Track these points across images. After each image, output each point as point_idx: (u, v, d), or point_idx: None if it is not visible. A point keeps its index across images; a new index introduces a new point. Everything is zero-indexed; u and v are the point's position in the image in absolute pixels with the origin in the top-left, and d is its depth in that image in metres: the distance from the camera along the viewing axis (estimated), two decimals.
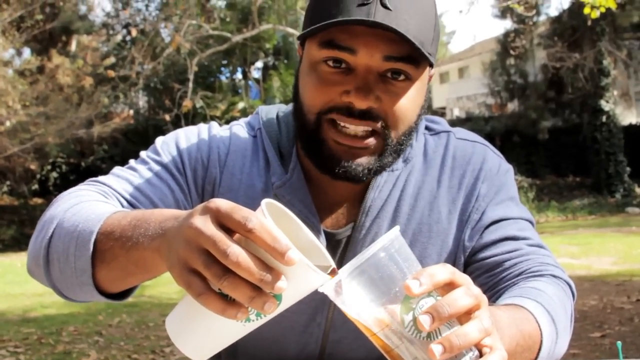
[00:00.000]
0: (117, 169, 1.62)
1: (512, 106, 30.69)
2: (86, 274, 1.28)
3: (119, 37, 29.21)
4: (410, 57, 1.39)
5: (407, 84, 1.43)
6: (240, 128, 1.67)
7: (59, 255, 1.32)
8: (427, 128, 1.68)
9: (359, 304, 1.02)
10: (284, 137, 1.63)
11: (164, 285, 11.57)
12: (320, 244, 1.10)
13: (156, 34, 24.31)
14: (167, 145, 1.63)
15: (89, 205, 1.40)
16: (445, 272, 1.01)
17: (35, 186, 25.16)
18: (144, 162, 1.61)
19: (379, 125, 1.43)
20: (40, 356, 7.19)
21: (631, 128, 27.42)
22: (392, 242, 1.02)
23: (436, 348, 0.96)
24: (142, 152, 1.65)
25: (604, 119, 25.64)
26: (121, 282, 1.30)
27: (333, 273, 1.06)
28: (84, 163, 25.65)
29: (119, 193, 1.52)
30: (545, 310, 1.35)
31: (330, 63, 1.41)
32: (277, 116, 1.68)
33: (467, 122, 28.48)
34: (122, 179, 1.57)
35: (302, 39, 1.47)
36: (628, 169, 25.19)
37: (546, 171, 27.45)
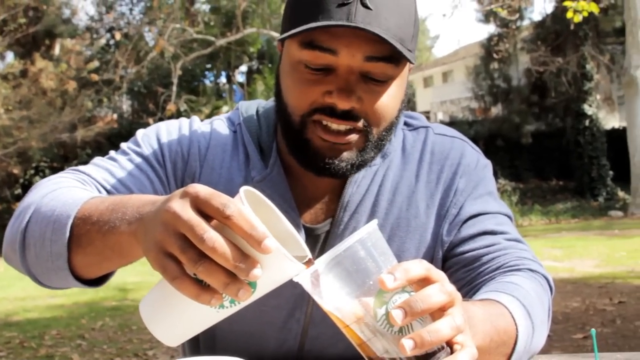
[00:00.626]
0: (97, 159, 1.62)
1: (496, 110, 30.80)
2: (62, 258, 1.28)
3: (102, 41, 29.16)
4: (392, 56, 1.39)
5: (388, 82, 1.44)
6: (220, 123, 1.68)
7: (35, 240, 1.32)
8: (405, 124, 1.69)
9: (334, 295, 1.02)
10: (264, 132, 1.63)
11: (146, 289, 11.49)
12: (297, 234, 1.11)
13: (140, 38, 24.31)
14: (148, 137, 1.64)
15: (67, 191, 1.41)
16: (421, 267, 1.01)
17: (19, 190, 25.00)
18: (124, 153, 1.61)
19: (360, 124, 1.44)
20: None
21: (614, 132, 27.52)
22: (369, 236, 1.02)
23: (407, 343, 0.96)
24: (123, 144, 1.65)
25: (587, 123, 25.76)
26: (97, 267, 1.30)
27: (309, 263, 1.06)
28: (67, 167, 25.40)
29: (98, 182, 1.53)
30: (521, 304, 1.35)
31: (311, 65, 1.41)
32: (257, 111, 1.69)
33: (451, 126, 27.80)
34: (102, 168, 1.57)
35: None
36: (611, 172, 25.29)
37: (529, 175, 27.53)
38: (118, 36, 25.32)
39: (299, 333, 1.60)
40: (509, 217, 1.64)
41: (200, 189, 1.00)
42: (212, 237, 0.95)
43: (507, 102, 29.37)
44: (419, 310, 0.97)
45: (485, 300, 1.33)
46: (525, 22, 29.23)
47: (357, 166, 1.50)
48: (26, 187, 24.99)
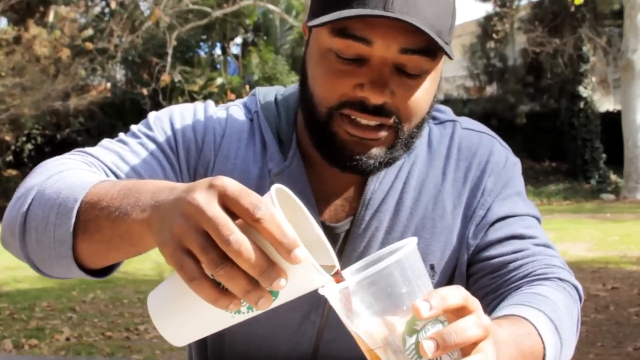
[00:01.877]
0: (105, 141, 1.51)
1: (491, 90, 30.72)
2: (66, 244, 1.17)
3: (97, 9, 28.90)
4: (428, 49, 1.31)
5: (423, 77, 1.36)
6: (237, 109, 1.58)
7: (37, 224, 1.21)
8: (432, 117, 1.59)
9: (362, 316, 0.96)
10: (283, 121, 1.54)
11: (138, 262, 11.49)
12: (327, 241, 1.04)
13: (135, 7, 24.14)
14: (161, 121, 1.53)
15: (75, 172, 1.30)
16: (458, 296, 0.95)
17: (10, 157, 24.88)
18: (135, 136, 1.51)
19: (391, 121, 1.36)
20: (12, 332, 7.12)
21: (608, 115, 27.49)
22: (408, 257, 0.95)
23: None
24: (133, 126, 1.55)
25: (581, 105, 25.72)
26: (103, 256, 1.19)
27: (336, 275, 1.01)
28: (60, 135, 25.37)
29: (106, 165, 1.42)
30: (548, 319, 1.28)
31: (342, 54, 1.33)
32: (276, 99, 1.59)
33: (445, 104, 27.77)
34: (111, 151, 1.46)
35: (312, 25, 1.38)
36: (604, 155, 25.29)
37: (523, 155, 27.43)
38: (113, 5, 25.07)
39: (314, 336, 1.52)
40: (537, 218, 1.56)
41: (229, 184, 0.91)
42: (238, 239, 0.87)
43: (503, 81, 29.29)
44: (453, 343, 0.91)
45: (511, 317, 1.26)
46: (523, 2, 29.13)
47: (385, 164, 1.42)
48: (17, 154, 24.94)
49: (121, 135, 1.54)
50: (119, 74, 29.35)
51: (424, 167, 1.54)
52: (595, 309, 7.46)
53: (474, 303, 0.98)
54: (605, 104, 30.27)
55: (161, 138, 1.50)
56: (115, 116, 26.07)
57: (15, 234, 1.25)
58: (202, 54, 29.13)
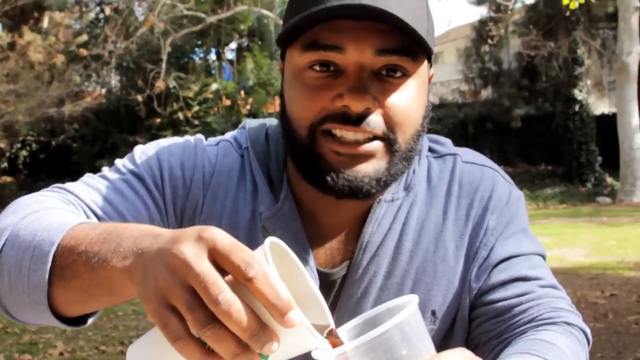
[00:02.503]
0: (86, 177, 1.42)
1: (486, 93, 30.73)
2: (40, 291, 1.08)
3: (92, 15, 28.86)
4: (406, 48, 1.24)
5: (405, 79, 1.27)
6: (228, 145, 1.48)
7: (11, 267, 1.12)
8: (430, 149, 1.51)
9: None
10: (273, 158, 1.44)
11: None
12: (322, 299, 0.97)
13: (130, 13, 24.10)
14: (147, 156, 1.43)
15: (51, 212, 1.21)
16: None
17: (5, 164, 24.84)
18: (119, 172, 1.40)
19: (380, 132, 1.26)
20: (5, 346, 7.05)
21: (603, 118, 27.53)
22: (409, 319, 0.90)
23: None
24: (118, 161, 1.44)
25: (576, 108, 25.74)
26: (81, 305, 1.10)
27: (331, 334, 0.95)
28: (54, 142, 25.33)
29: (86, 204, 1.32)
30: None
31: (317, 67, 1.25)
32: (267, 134, 1.49)
33: (441, 108, 28.39)
34: (92, 188, 1.36)
35: (283, 42, 1.31)
36: (599, 158, 25.31)
37: (518, 159, 27.53)
38: (108, 10, 25.09)
39: None
40: (542, 256, 1.47)
41: (219, 236, 0.85)
42: (228, 299, 0.81)
43: (498, 85, 29.32)
44: None
45: None
46: (518, 5, 29.15)
47: (384, 183, 1.31)
48: (12, 160, 24.89)
49: (104, 170, 1.44)
50: (114, 80, 29.32)
51: (424, 207, 1.44)
52: (594, 318, 7.41)
53: None
54: (601, 106, 30.33)
55: (146, 175, 1.40)
56: (110, 122, 26.06)
57: None
58: (196, 59, 29.14)
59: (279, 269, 0.85)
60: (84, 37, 25.12)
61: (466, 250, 1.43)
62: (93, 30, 26.78)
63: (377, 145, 1.28)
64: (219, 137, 1.52)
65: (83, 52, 22.03)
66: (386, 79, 1.26)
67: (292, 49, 1.30)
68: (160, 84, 21.08)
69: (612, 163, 23.55)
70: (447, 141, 1.55)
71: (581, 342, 1.34)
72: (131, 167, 1.41)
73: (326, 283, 1.39)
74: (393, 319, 0.88)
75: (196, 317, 0.82)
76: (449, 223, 1.44)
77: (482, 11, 29.25)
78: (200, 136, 1.52)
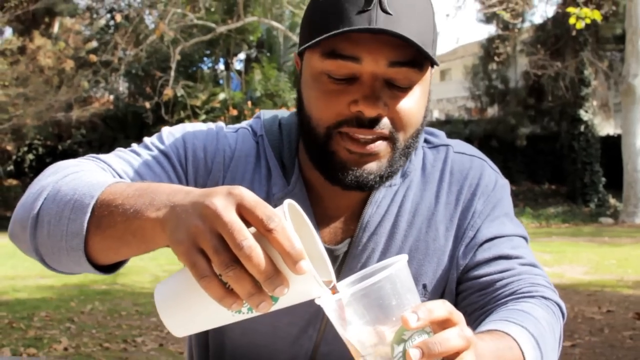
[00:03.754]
0: (118, 150, 1.58)
1: (492, 111, 30.82)
2: (78, 238, 1.22)
3: (102, 22, 29.03)
4: (415, 61, 1.38)
5: (412, 87, 1.42)
6: (246, 132, 1.64)
7: (51, 218, 1.26)
8: (425, 141, 1.67)
9: (354, 325, 1.03)
10: (286, 147, 1.60)
11: (137, 274, 11.57)
12: (327, 257, 1.11)
13: (140, 21, 24.19)
14: (174, 137, 1.59)
15: (90, 173, 1.36)
16: (444, 309, 1.03)
17: (11, 167, 24.94)
18: (147, 148, 1.57)
19: (386, 131, 1.42)
20: (11, 340, 7.14)
21: (608, 139, 27.57)
22: (398, 273, 1.03)
23: None
24: (146, 138, 1.61)
25: (582, 128, 25.80)
26: (113, 252, 1.23)
27: (333, 289, 1.08)
28: (61, 146, 25.49)
29: (117, 172, 1.48)
30: (530, 334, 1.35)
31: (334, 75, 1.40)
32: (280, 124, 1.65)
33: (447, 124, 28.56)
34: (123, 160, 1.52)
35: (303, 50, 1.46)
36: (603, 179, 25.33)
37: (522, 177, 27.56)
38: (118, 18, 25.14)
39: (311, 349, 1.59)
40: (525, 238, 1.64)
41: (246, 194, 0.99)
42: (250, 245, 0.94)
43: (504, 103, 29.37)
44: (436, 352, 0.99)
45: (494, 332, 1.32)
46: (526, 25, 29.24)
47: (386, 177, 1.48)
48: (18, 164, 25.00)
49: (134, 145, 1.60)
50: (122, 86, 29.44)
51: (419, 191, 1.61)
52: (589, 332, 7.48)
53: (458, 316, 1.06)
54: (606, 127, 30.35)
55: (172, 153, 1.56)
56: (117, 129, 26.17)
57: (27, 227, 1.30)
58: (205, 69, 29.26)
59: (293, 226, 0.98)
60: (94, 44, 25.32)
61: (455, 231, 1.60)
62: (103, 37, 26.96)
63: (382, 145, 1.44)
64: (237, 125, 1.69)
65: (93, 58, 22.10)
66: (395, 88, 1.41)
67: (311, 53, 1.44)
68: (168, 92, 21.14)
69: (616, 184, 23.56)
70: (441, 133, 1.71)
71: (556, 314, 1.51)
72: (159, 144, 1.58)
73: (330, 257, 1.53)
74: (384, 272, 1.01)
75: (221, 259, 0.96)
76: (441, 207, 1.61)
77: (491, 29, 29.29)
78: (221, 123, 1.68)
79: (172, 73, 21.69)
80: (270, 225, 0.95)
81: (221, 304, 0.99)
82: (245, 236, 0.95)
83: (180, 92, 23.00)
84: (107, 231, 1.19)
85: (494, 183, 1.65)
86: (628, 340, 7.17)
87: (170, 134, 1.61)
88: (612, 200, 24.72)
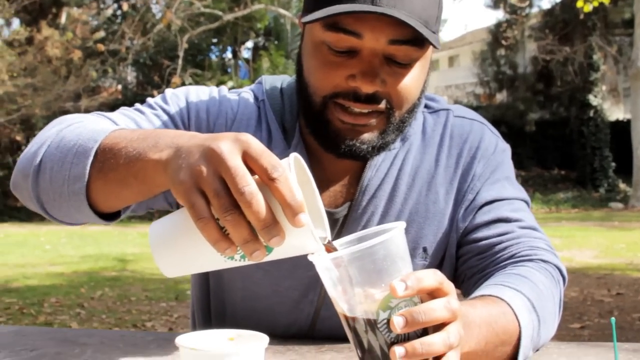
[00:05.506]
0: (122, 109, 1.59)
1: (501, 97, 30.76)
2: (80, 181, 1.23)
3: (109, 11, 29.01)
4: (415, 39, 1.37)
5: (412, 64, 1.42)
6: (248, 96, 1.65)
7: (54, 164, 1.27)
8: (426, 106, 1.67)
9: (344, 286, 1.03)
10: (287, 111, 1.61)
11: (146, 261, 11.58)
12: (325, 215, 1.11)
13: (147, 10, 24.20)
14: (177, 97, 1.61)
15: (94, 122, 1.38)
16: (434, 279, 1.02)
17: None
18: (151, 107, 1.59)
19: (382, 106, 1.42)
20: (22, 326, 7.18)
21: (618, 124, 27.48)
22: (393, 239, 1.02)
23: (399, 350, 0.97)
24: (150, 99, 1.63)
25: (591, 113, 25.74)
26: (115, 196, 1.23)
27: (328, 244, 1.08)
28: None
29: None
30: (525, 298, 1.34)
31: (334, 47, 1.40)
32: (281, 89, 1.66)
33: None
34: (127, 117, 1.53)
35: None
36: (613, 164, 25.30)
37: (532, 163, 27.50)
38: (125, 7, 25.18)
39: (311, 313, 1.60)
40: (526, 202, 1.63)
41: (253, 142, 0.99)
42: (252, 192, 0.94)
43: (513, 89, 29.31)
44: (420, 321, 0.98)
45: (488, 297, 1.31)
46: (534, 10, 29.14)
47: (379, 148, 1.48)
48: None
49: (137, 105, 1.62)
50: (130, 76, 29.44)
51: (418, 155, 1.60)
52: (599, 314, 7.47)
53: (449, 287, 1.05)
54: (615, 112, 30.26)
55: (175, 113, 1.57)
56: None
57: (29, 174, 1.31)
58: (213, 57, 29.25)
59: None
60: (102, 33, 25.30)
61: (455, 194, 1.60)
62: (110, 26, 26.96)
63: (377, 118, 1.44)
64: (239, 89, 1.70)
65: (100, 47, 22.13)
66: (395, 64, 1.41)
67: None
68: (176, 80, 21.14)
69: (626, 169, 23.52)
70: (442, 99, 1.71)
71: (555, 277, 1.49)
72: (162, 104, 1.60)
73: (329, 221, 1.53)
74: (380, 237, 1.01)
75: (221, 202, 0.96)
76: (441, 170, 1.60)
77: (499, 15, 29.18)
78: (224, 87, 1.69)
79: (180, 62, 21.69)
80: (273, 174, 0.95)
81: (215, 248, 0.99)
82: (248, 182, 0.95)
83: (188, 80, 23.00)
84: (109, 174, 1.20)
85: (494, 146, 1.64)
86: (637, 322, 7.15)
87: (174, 95, 1.62)
88: (622, 185, 24.69)
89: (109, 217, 1.31)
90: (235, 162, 0.96)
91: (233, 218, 0.95)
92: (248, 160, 0.98)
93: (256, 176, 0.98)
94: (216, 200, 0.96)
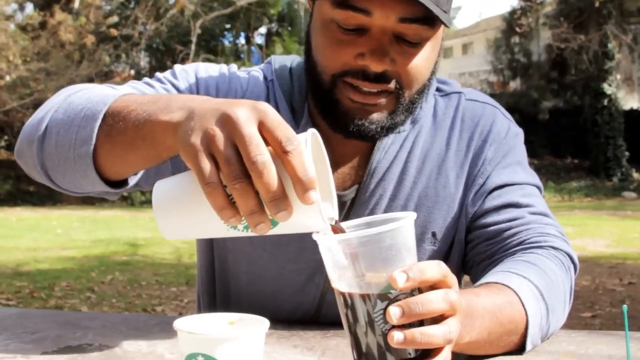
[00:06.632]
0: (132, 82, 1.56)
1: (515, 85, 30.65)
2: (87, 144, 1.19)
3: None
4: (426, 17, 1.33)
5: (422, 44, 1.38)
6: (257, 76, 1.62)
7: (60, 128, 1.24)
8: (437, 89, 1.63)
9: (345, 270, 1.00)
10: (296, 91, 1.58)
11: (157, 246, 11.61)
12: (335, 196, 1.08)
13: None
14: (186, 73, 1.58)
15: (103, 88, 1.35)
16: (437, 271, 1.00)
17: None
18: (160, 81, 1.56)
19: (392, 85, 1.39)
20: (24, 309, 7.19)
21: (632, 113, 27.38)
22: (401, 229, 0.99)
23: (397, 335, 0.95)
24: (158, 73, 1.59)
25: (605, 102, 25.63)
26: (121, 160, 1.20)
27: (335, 226, 1.05)
28: None
29: None
30: (533, 286, 1.31)
31: (343, 25, 1.36)
32: (291, 69, 1.62)
33: None
34: (136, 90, 1.49)
35: None
36: (627, 153, 25.20)
37: (545, 151, 27.42)
38: None
39: (317, 297, 1.57)
40: (538, 187, 1.59)
41: (270, 112, 0.96)
42: (264, 161, 0.92)
43: (526, 77, 29.21)
44: (417, 312, 0.96)
45: (494, 284, 1.29)
46: None
47: (387, 129, 1.44)
48: None
49: (146, 78, 1.58)
50: (143, 61, 29.46)
51: (429, 138, 1.57)
52: (610, 303, 7.43)
53: (452, 280, 1.02)
54: (630, 101, 30.09)
55: (184, 88, 1.54)
56: None
57: (34, 140, 1.28)
58: (226, 43, 29.30)
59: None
60: (115, 18, 25.31)
61: (465, 178, 1.56)
62: (123, 11, 26.96)
63: (386, 98, 1.40)
64: (249, 68, 1.67)
65: (113, 32, 22.18)
66: (405, 43, 1.37)
67: None
68: None
69: (639, 158, 23.42)
70: (453, 82, 1.67)
71: (565, 265, 1.46)
72: (171, 78, 1.57)
73: (337, 204, 1.50)
74: (388, 225, 0.98)
75: (231, 169, 0.93)
76: (451, 153, 1.56)
77: (513, 2, 29.07)
78: (234, 65, 1.67)
79: (193, 47, 21.76)
80: (288, 147, 0.93)
81: (219, 215, 0.96)
82: (262, 151, 0.92)
83: None
84: (117, 137, 1.17)
85: (507, 130, 1.61)
86: None
87: (184, 70, 1.59)
88: (636, 175, 24.60)
89: (116, 185, 1.28)
90: (250, 130, 0.94)
91: (242, 187, 0.93)
92: (263, 130, 0.95)
93: (270, 147, 0.95)
94: (227, 166, 0.93)
